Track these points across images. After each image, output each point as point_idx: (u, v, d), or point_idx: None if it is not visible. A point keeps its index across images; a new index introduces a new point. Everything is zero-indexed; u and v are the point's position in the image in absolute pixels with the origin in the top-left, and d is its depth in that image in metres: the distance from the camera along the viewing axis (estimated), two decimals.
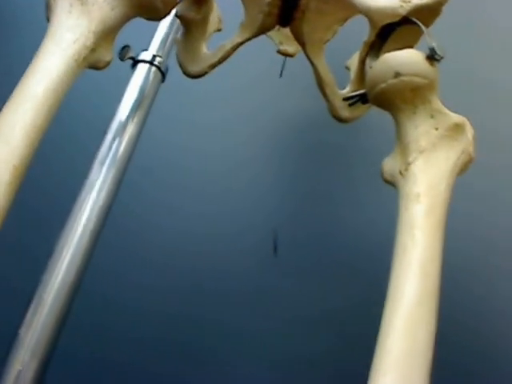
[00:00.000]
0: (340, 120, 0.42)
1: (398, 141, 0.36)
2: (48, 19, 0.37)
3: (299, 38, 0.38)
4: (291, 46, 0.49)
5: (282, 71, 0.52)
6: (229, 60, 0.43)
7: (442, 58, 0.35)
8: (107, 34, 0.37)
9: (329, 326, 0.67)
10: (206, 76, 0.45)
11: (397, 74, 0.34)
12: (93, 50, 0.35)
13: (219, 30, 0.48)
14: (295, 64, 0.54)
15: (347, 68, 0.48)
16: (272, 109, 0.78)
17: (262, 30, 0.38)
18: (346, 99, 0.41)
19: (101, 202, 0.43)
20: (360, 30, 0.42)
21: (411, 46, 0.41)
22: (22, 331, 0.33)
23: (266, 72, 0.63)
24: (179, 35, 0.44)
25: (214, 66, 0.41)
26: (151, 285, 0.66)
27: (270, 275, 0.69)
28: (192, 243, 0.69)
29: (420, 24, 0.37)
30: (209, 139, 0.76)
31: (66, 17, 0.36)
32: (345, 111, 0.42)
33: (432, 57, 0.35)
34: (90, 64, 0.36)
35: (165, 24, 0.49)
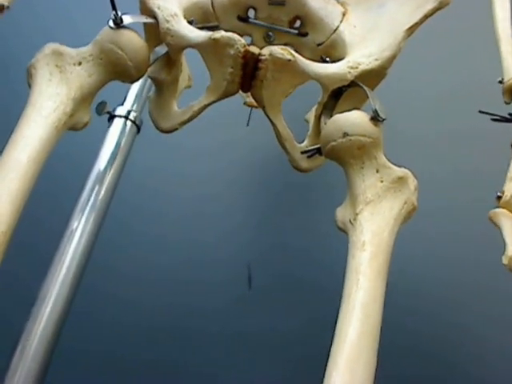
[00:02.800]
0: (300, 170, 0.46)
1: (349, 192, 0.41)
2: (29, 86, 0.41)
3: (259, 102, 0.42)
4: None
5: (248, 120, 0.57)
6: None
7: (384, 119, 0.39)
8: (85, 98, 0.41)
9: (300, 361, 0.70)
10: None
11: (345, 134, 0.39)
12: (72, 115, 0.39)
13: (190, 87, 0.52)
14: None
15: (306, 121, 0.52)
16: (247, 148, 0.82)
17: (226, 95, 0.42)
18: (303, 152, 0.45)
19: (81, 249, 0.46)
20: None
21: (362, 103, 0.46)
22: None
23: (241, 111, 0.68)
24: (151, 93, 0.49)
25: (183, 124, 0.45)
26: (125, 323, 0.69)
27: (245, 309, 0.73)
28: (167, 283, 0.72)
29: (365, 88, 0.41)
30: (184, 180, 0.80)
31: (46, 85, 0.39)
32: (304, 162, 0.46)
33: (375, 118, 0.39)
34: (69, 127, 0.40)
35: (138, 81, 0.53)
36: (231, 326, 0.71)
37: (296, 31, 0.50)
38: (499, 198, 0.50)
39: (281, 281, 0.74)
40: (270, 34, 0.50)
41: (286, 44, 0.50)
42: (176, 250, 0.75)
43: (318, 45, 0.50)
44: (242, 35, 0.49)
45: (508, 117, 0.50)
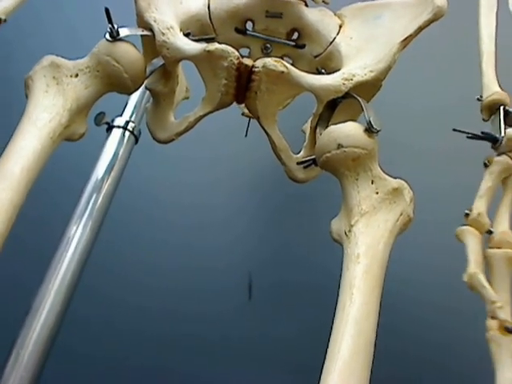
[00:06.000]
0: (296, 181, 0.46)
1: (344, 203, 0.40)
2: (26, 97, 0.41)
3: (254, 113, 0.43)
4: None
5: (247, 131, 0.57)
6: None
7: (378, 130, 0.39)
8: (81, 110, 0.41)
9: (299, 371, 0.69)
10: None
11: (339, 146, 0.39)
12: (67, 126, 0.39)
13: (187, 98, 0.53)
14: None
15: (303, 131, 0.52)
16: (248, 158, 0.82)
17: (221, 106, 0.43)
18: (299, 163, 0.45)
19: (77, 258, 0.46)
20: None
21: (358, 114, 0.46)
22: None
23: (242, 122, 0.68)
24: (149, 104, 0.49)
25: (179, 134, 0.45)
26: (127, 328, 0.69)
27: (245, 317, 0.73)
28: (166, 289, 0.72)
29: (360, 99, 0.41)
30: (186, 190, 0.80)
31: (42, 96, 0.40)
32: (300, 173, 0.46)
33: (369, 130, 0.39)
34: (64, 138, 0.40)
35: (137, 92, 0.53)
36: (231, 333, 0.71)
37: (293, 43, 0.50)
38: (467, 215, 0.52)
39: (281, 290, 0.74)
40: (268, 45, 0.51)
41: (283, 55, 0.51)
42: (176, 258, 0.75)
43: (315, 56, 0.50)
44: (239, 47, 0.50)
45: (481, 135, 0.50)
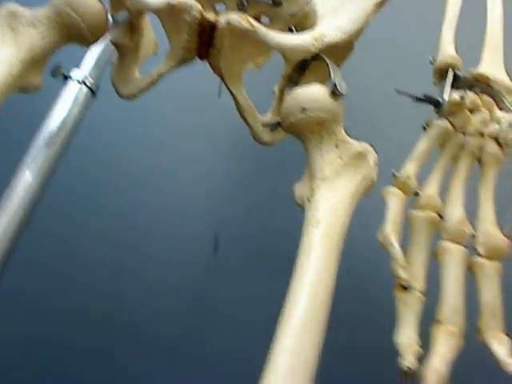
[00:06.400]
0: (262, 143, 0.45)
1: (307, 168, 0.40)
2: None
3: (217, 71, 0.41)
4: None
5: (219, 92, 0.55)
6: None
7: (342, 94, 0.38)
8: (36, 61, 0.39)
9: (264, 326, 0.71)
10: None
11: (303, 110, 0.38)
12: (20, 76, 0.37)
13: (156, 54, 0.51)
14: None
15: (274, 93, 0.51)
16: (225, 117, 0.81)
17: (184, 62, 0.41)
18: (265, 125, 0.44)
19: (26, 205, 0.46)
20: None
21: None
22: None
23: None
24: (115, 59, 0.47)
25: (143, 91, 0.44)
26: (87, 283, 0.69)
27: (210, 271, 0.74)
28: (133, 240, 0.73)
29: (328, 61, 0.40)
30: (156, 141, 0.80)
31: None
32: (265, 135, 0.45)
33: (334, 92, 0.38)
34: (18, 89, 0.38)
35: (99, 46, 0.51)
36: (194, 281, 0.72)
37: (270, 1, 0.48)
38: (395, 176, 0.52)
39: (249, 247, 0.75)
40: (245, 2, 0.49)
41: (260, 14, 0.49)
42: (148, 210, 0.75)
43: (291, 15, 0.48)
44: (215, 3, 0.48)
45: (423, 98, 0.50)
